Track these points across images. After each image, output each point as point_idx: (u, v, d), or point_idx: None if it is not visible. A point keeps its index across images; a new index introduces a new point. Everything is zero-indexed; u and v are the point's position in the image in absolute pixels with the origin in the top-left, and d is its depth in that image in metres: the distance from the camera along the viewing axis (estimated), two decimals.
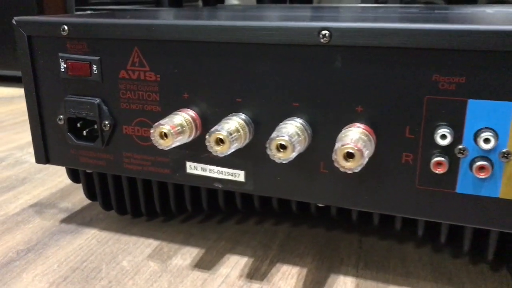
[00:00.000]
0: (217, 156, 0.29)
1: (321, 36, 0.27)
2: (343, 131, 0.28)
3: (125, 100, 0.34)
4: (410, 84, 0.27)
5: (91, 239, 0.38)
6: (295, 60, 0.29)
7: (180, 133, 0.30)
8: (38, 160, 0.38)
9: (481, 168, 0.26)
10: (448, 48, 0.25)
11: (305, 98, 0.29)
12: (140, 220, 0.41)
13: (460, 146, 0.26)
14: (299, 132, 0.28)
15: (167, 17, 0.34)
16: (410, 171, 0.28)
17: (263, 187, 0.32)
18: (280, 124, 0.29)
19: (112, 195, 0.40)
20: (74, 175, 0.41)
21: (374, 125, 0.28)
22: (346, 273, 0.33)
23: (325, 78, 0.28)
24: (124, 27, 0.32)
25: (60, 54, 0.34)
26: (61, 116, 0.36)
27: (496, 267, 0.34)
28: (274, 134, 0.27)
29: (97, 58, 0.33)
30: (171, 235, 0.39)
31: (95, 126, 0.36)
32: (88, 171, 0.39)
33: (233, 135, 0.29)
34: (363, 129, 0.27)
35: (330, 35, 0.27)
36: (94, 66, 0.34)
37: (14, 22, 0.35)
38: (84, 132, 0.36)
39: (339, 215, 0.35)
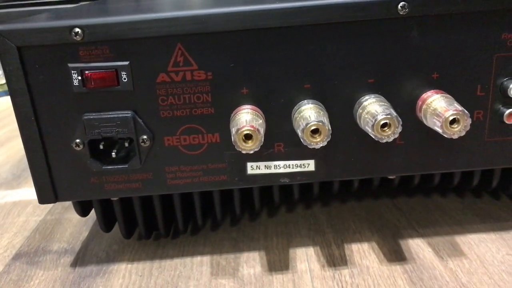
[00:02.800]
0: (314, 147, 0.27)
1: (399, 8, 0.27)
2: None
3: (166, 107, 0.29)
4: (482, 45, 0.28)
5: (131, 275, 0.33)
6: (368, 35, 0.28)
7: (260, 127, 0.27)
8: (44, 200, 0.31)
9: None
10: None
11: (381, 73, 0.29)
12: (163, 241, 0.37)
13: (503, 90, 0.29)
14: (387, 106, 0.28)
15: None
16: (481, 126, 0.30)
17: (337, 171, 0.31)
18: (368, 105, 0.28)
19: (140, 219, 0.34)
20: (84, 208, 0.34)
21: (448, 89, 0.29)
22: (410, 236, 0.35)
23: (400, 50, 0.28)
24: (162, 22, 0.27)
25: (71, 65, 0.28)
26: (79, 140, 0.29)
27: None
28: (377, 116, 0.26)
29: (126, 63, 0.28)
30: (215, 246, 0.35)
31: (126, 144, 0.30)
32: (113, 198, 0.33)
33: (326, 123, 0.27)
34: (438, 93, 0.28)
35: (408, 6, 0.27)
36: (123, 73, 0.28)
37: None
38: (113, 153, 0.30)
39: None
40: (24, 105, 0.29)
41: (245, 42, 0.28)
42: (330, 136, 0.27)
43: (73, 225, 0.40)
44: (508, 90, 0.29)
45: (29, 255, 0.36)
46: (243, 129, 0.26)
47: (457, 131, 0.27)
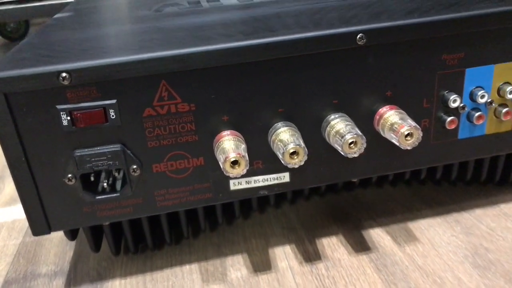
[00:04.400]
0: (292, 167, 0.31)
1: (358, 39, 0.31)
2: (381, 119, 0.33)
3: (153, 138, 0.31)
4: (426, 65, 0.33)
5: None
6: (332, 63, 0.31)
7: (244, 152, 0.30)
8: (37, 233, 0.32)
9: (480, 117, 0.35)
10: (452, 35, 0.32)
11: (343, 94, 0.33)
12: (149, 253, 0.39)
13: (461, 104, 0.34)
14: (352, 125, 0.32)
15: (169, 39, 0.32)
16: (427, 132, 0.35)
17: (309, 180, 0.35)
18: (334, 124, 0.32)
19: (129, 238, 0.36)
20: (73, 233, 0.36)
21: (400, 104, 0.34)
22: (371, 226, 0.40)
23: (358, 73, 0.32)
24: (147, 63, 0.29)
25: (59, 107, 0.29)
26: (71, 175, 0.31)
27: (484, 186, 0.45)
28: (345, 136, 0.30)
29: (113, 101, 0.30)
30: (200, 253, 0.38)
31: (116, 174, 0.32)
32: (105, 223, 0.34)
33: (303, 146, 0.31)
34: (392, 108, 0.33)
35: (365, 37, 0.31)
36: (111, 110, 0.30)
37: None
38: (105, 184, 0.32)
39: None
40: (14, 147, 0.30)
41: (224, 75, 0.30)
42: (307, 156, 0.31)
43: (55, 245, 0.41)
44: (449, 101, 0.34)
45: (18, 281, 0.37)
46: (230, 157, 0.29)
47: (410, 143, 0.31)
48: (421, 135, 0.31)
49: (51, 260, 0.40)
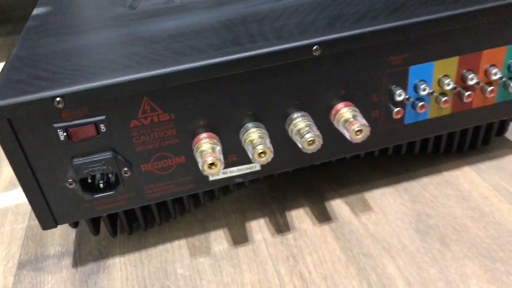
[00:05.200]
0: (261, 163, 0.36)
1: (314, 50, 0.35)
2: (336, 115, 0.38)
3: (140, 144, 0.36)
4: (375, 66, 0.38)
5: (126, 267, 0.41)
6: (293, 71, 0.36)
7: (220, 153, 0.35)
8: (46, 227, 0.38)
9: (423, 106, 0.40)
10: (397, 40, 0.37)
11: (303, 95, 0.37)
12: (141, 234, 0.45)
13: (407, 96, 0.40)
14: (311, 125, 0.37)
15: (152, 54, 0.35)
16: (378, 120, 0.41)
17: (276, 166, 0.40)
18: (296, 123, 0.37)
19: (125, 222, 0.42)
20: (76, 223, 0.41)
21: (353, 100, 0.39)
22: (332, 197, 0.46)
23: (316, 78, 0.37)
24: (130, 84, 0.33)
25: (56, 125, 0.33)
26: (71, 180, 0.36)
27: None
28: (305, 136, 0.36)
29: (103, 117, 0.34)
30: (187, 230, 0.45)
31: (110, 175, 0.37)
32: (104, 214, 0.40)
33: (269, 146, 0.36)
34: (346, 105, 0.38)
35: (320, 49, 0.35)
36: (101, 125, 0.34)
37: None
38: (101, 184, 0.37)
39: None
40: (20, 161, 0.34)
41: (198, 87, 0.35)
42: (273, 154, 0.36)
43: (59, 227, 0.47)
44: (395, 95, 0.39)
45: (31, 262, 0.43)
46: (208, 160, 0.35)
47: (360, 138, 0.37)
48: (369, 131, 0.37)
49: (57, 241, 0.45)
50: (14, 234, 0.47)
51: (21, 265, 0.43)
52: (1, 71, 0.36)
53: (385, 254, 0.40)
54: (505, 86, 0.42)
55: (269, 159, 0.36)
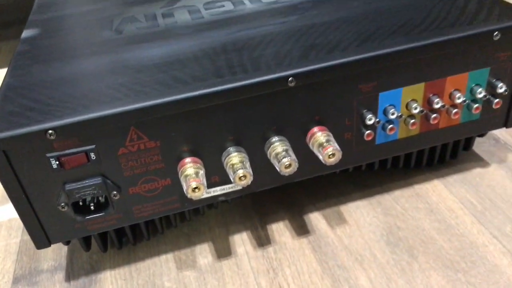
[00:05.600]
0: (241, 186, 0.39)
1: (289, 81, 0.38)
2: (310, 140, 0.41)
3: (128, 169, 0.38)
4: (346, 93, 0.40)
5: (117, 280, 0.44)
6: (271, 99, 0.39)
7: (202, 178, 0.38)
8: (40, 246, 0.40)
9: (392, 128, 0.43)
10: (366, 70, 0.39)
11: (281, 121, 0.40)
12: (130, 248, 0.47)
13: (377, 120, 0.43)
14: (288, 149, 0.40)
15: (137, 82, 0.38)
16: (351, 141, 0.43)
17: (257, 185, 0.43)
18: (274, 147, 0.40)
19: (115, 238, 0.45)
20: (68, 241, 0.44)
21: (327, 124, 0.41)
22: (311, 211, 0.49)
23: (292, 105, 0.40)
24: (118, 116, 0.35)
25: (49, 155, 0.36)
26: (63, 204, 0.38)
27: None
28: (282, 160, 0.38)
29: (92, 146, 0.36)
30: (173, 244, 0.47)
31: (100, 199, 0.40)
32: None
33: (247, 167, 0.38)
34: (321, 130, 0.41)
35: (294, 80, 0.38)
36: (91, 153, 0.37)
37: None
38: (92, 206, 0.39)
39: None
40: (15, 188, 0.36)
41: (182, 117, 0.37)
42: (252, 178, 0.39)
43: None
44: (365, 119, 0.42)
45: (26, 277, 0.46)
46: (192, 185, 0.37)
47: (332, 161, 0.40)
48: (341, 155, 0.40)
49: (50, 256, 0.48)
50: (9, 249, 0.49)
51: (16, 280, 0.46)
52: None
53: (358, 266, 0.43)
54: (468, 108, 0.45)
55: (249, 182, 0.39)
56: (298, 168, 0.40)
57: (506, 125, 0.48)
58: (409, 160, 0.51)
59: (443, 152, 0.51)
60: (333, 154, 0.39)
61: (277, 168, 0.39)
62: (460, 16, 0.43)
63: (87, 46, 0.46)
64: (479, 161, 0.53)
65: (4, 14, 1.20)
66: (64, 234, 0.40)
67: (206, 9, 0.52)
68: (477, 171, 0.52)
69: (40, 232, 0.39)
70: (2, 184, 0.36)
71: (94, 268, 0.46)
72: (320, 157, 0.40)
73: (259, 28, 0.46)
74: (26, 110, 0.36)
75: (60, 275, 0.45)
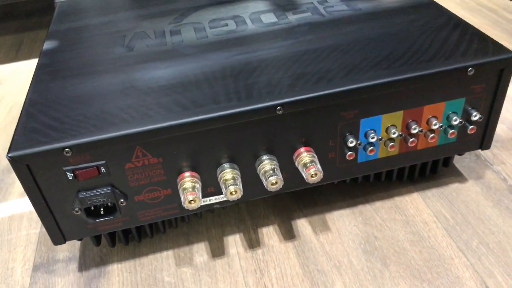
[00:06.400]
0: (232, 200, 0.44)
1: (278, 109, 0.42)
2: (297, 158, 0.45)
3: (134, 180, 0.44)
4: (330, 120, 0.45)
5: (123, 273, 0.50)
6: (262, 124, 0.43)
7: (198, 191, 0.43)
8: (56, 243, 0.46)
9: (372, 150, 0.47)
10: (349, 99, 0.44)
11: (271, 142, 0.45)
12: (136, 244, 0.53)
13: (358, 142, 0.47)
14: (276, 168, 0.45)
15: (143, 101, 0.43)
16: (334, 160, 0.48)
17: (249, 195, 0.48)
18: (263, 165, 0.45)
19: (122, 236, 0.51)
20: (81, 238, 0.50)
21: (312, 145, 0.46)
22: (298, 217, 0.54)
23: (281, 129, 0.44)
24: (125, 137, 0.41)
25: (65, 168, 0.41)
26: (77, 208, 0.44)
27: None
28: (269, 178, 0.43)
29: (103, 162, 0.42)
30: (174, 242, 0.53)
31: (109, 204, 0.45)
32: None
33: (238, 183, 0.44)
34: (306, 150, 0.46)
35: (282, 109, 0.42)
36: (102, 168, 0.42)
37: (10, 158, 0.39)
38: (102, 211, 0.45)
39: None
40: (36, 195, 0.42)
41: (183, 138, 0.42)
42: (242, 193, 0.44)
43: None
44: (347, 142, 0.46)
45: (44, 265, 0.52)
46: (188, 197, 0.43)
47: (314, 180, 0.44)
48: (322, 175, 0.44)
49: (65, 247, 0.54)
50: (29, 239, 0.56)
51: (36, 267, 0.52)
52: (20, 118, 0.44)
53: (335, 271, 0.48)
54: (445, 132, 0.49)
55: (239, 197, 0.44)
56: (287, 181, 0.45)
57: (481, 147, 0.52)
58: (391, 174, 0.55)
59: (423, 167, 0.56)
60: (315, 174, 0.44)
61: (264, 185, 0.44)
62: (440, 50, 0.47)
63: (101, 63, 0.51)
64: (458, 176, 0.57)
65: (26, 4, 1.25)
66: (77, 232, 0.46)
67: (210, 27, 0.56)
68: (455, 186, 0.56)
69: (56, 231, 0.45)
70: (25, 191, 0.42)
71: (103, 260, 0.52)
72: (304, 176, 0.45)
73: (256, 52, 0.50)
74: (46, 128, 0.42)
75: (74, 266, 0.52)
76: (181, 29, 0.57)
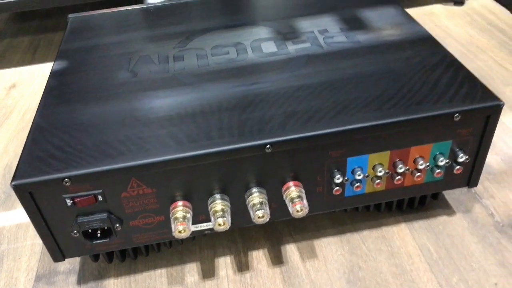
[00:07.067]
0: (219, 228, 0.46)
1: (267, 148, 0.44)
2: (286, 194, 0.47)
3: (129, 207, 0.47)
4: (318, 158, 0.47)
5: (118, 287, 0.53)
6: (252, 161, 0.46)
7: (188, 221, 0.46)
8: (56, 260, 0.49)
9: (358, 186, 0.49)
10: (336, 140, 0.46)
11: (260, 177, 0.47)
12: (131, 262, 0.56)
13: (345, 178, 0.49)
14: (264, 202, 0.47)
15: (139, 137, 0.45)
16: (322, 194, 0.50)
17: (236, 224, 0.51)
18: (252, 197, 0.47)
19: (118, 253, 0.54)
20: None
21: (301, 180, 0.48)
22: (288, 242, 0.57)
23: (270, 165, 0.46)
24: (121, 170, 0.43)
25: (64, 196, 0.44)
26: (75, 231, 0.47)
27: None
28: (256, 212, 0.46)
29: (100, 191, 0.45)
30: (168, 260, 0.56)
31: (106, 227, 0.48)
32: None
33: (226, 215, 0.46)
34: (295, 185, 0.48)
35: (271, 148, 0.44)
36: (99, 196, 0.45)
37: (14, 186, 0.42)
38: (99, 233, 0.48)
39: None
40: (38, 219, 0.45)
41: (175, 172, 0.45)
42: (230, 225, 0.46)
43: None
44: (334, 178, 0.48)
45: (46, 276, 0.55)
46: (179, 227, 0.45)
47: (299, 215, 0.47)
48: (308, 211, 0.46)
49: (66, 260, 0.57)
50: (34, 249, 0.59)
51: (38, 278, 0.55)
52: (25, 143, 0.47)
53: None
54: (432, 171, 0.51)
55: (227, 228, 0.46)
56: (277, 211, 0.47)
57: (468, 185, 0.53)
58: (380, 205, 0.57)
59: (412, 200, 0.57)
60: (301, 210, 0.46)
61: (252, 217, 0.47)
62: (430, 92, 0.48)
63: (105, 88, 0.54)
64: (446, 209, 0.59)
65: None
66: (76, 251, 0.49)
67: (212, 55, 0.58)
68: (442, 219, 0.58)
69: (56, 249, 0.48)
70: (28, 215, 0.45)
71: (101, 275, 0.55)
72: (290, 209, 0.47)
73: (253, 85, 0.52)
74: (48, 157, 0.45)
75: (73, 278, 0.55)
76: (184, 55, 0.59)
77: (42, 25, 1.18)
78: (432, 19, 1.02)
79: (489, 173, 0.64)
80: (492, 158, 0.66)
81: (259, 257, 0.55)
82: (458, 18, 1.02)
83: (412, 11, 1.06)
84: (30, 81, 0.95)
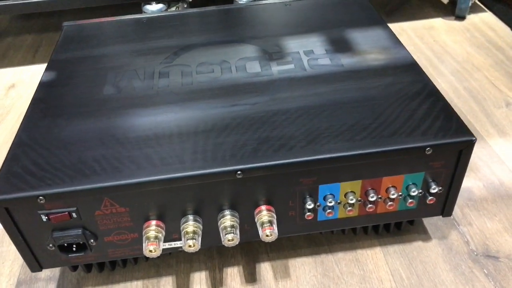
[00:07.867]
0: (189, 249, 0.48)
1: (237, 174, 0.45)
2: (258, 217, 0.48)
3: (103, 225, 0.48)
4: (289, 185, 0.48)
5: None
6: (224, 186, 0.46)
7: (159, 241, 0.47)
8: (34, 270, 0.51)
9: (330, 212, 0.50)
10: (307, 169, 0.46)
11: (232, 200, 0.48)
12: (109, 272, 0.58)
13: (318, 204, 0.50)
14: (235, 225, 0.48)
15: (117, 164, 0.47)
16: (294, 218, 0.51)
17: (208, 243, 0.52)
18: (224, 220, 0.48)
19: (95, 264, 0.55)
20: None
21: (273, 204, 0.49)
22: (263, 260, 0.58)
23: (241, 191, 0.47)
24: (95, 190, 0.44)
25: (40, 212, 0.46)
26: (51, 245, 0.48)
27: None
28: (226, 235, 0.47)
29: (74, 208, 0.46)
30: (145, 272, 0.57)
31: (81, 242, 0.50)
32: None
33: (197, 237, 0.47)
34: (267, 209, 0.49)
35: (242, 174, 0.45)
36: (73, 213, 0.46)
37: None
38: (74, 247, 0.49)
39: None
40: (15, 234, 0.47)
41: (148, 193, 0.46)
42: (200, 246, 0.47)
43: None
44: (306, 204, 0.49)
45: (26, 282, 0.57)
46: (149, 247, 0.46)
47: (269, 240, 0.47)
48: (277, 236, 0.47)
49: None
50: (17, 254, 0.61)
51: (19, 283, 0.57)
52: (5, 158, 0.48)
53: None
54: (404, 200, 0.51)
55: (197, 250, 0.47)
56: (249, 232, 0.48)
57: (442, 214, 0.54)
58: (355, 228, 0.58)
59: (388, 224, 0.58)
60: (270, 235, 0.47)
61: (222, 239, 0.48)
62: (404, 123, 0.49)
63: (88, 104, 0.55)
64: (423, 234, 0.59)
65: None
66: (52, 263, 0.51)
67: (197, 72, 0.59)
68: (417, 244, 0.58)
69: (33, 261, 0.50)
70: (6, 231, 0.47)
71: (79, 284, 0.57)
72: (259, 233, 0.48)
73: (232, 107, 0.53)
74: (26, 173, 0.46)
75: (53, 285, 0.57)
76: (170, 71, 0.60)
77: (46, 24, 1.19)
78: (431, 34, 1.01)
79: (470, 199, 0.64)
80: (475, 184, 0.66)
81: (233, 274, 0.56)
82: (457, 34, 1.01)
83: (412, 25, 1.05)
84: (30, 81, 0.96)
